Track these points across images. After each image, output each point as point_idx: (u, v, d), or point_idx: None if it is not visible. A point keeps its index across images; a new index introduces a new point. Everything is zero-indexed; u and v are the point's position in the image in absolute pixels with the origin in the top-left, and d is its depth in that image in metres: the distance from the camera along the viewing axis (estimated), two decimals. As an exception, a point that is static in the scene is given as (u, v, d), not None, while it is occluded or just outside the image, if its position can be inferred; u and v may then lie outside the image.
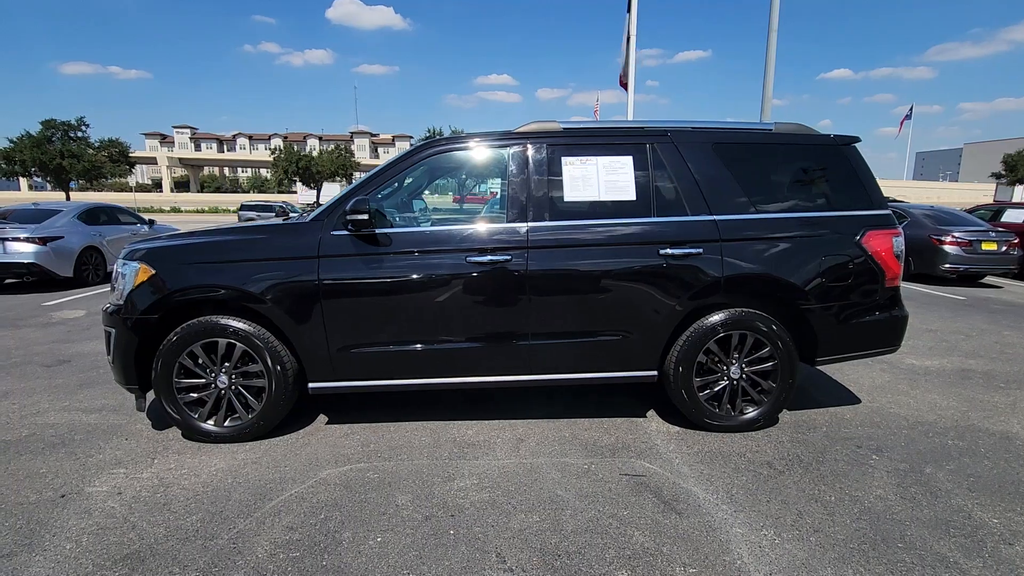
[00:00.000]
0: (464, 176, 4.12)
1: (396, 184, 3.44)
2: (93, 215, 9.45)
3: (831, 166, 3.44)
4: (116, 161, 38.54)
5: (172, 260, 3.17)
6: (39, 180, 45.57)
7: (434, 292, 3.19)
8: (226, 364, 3.21)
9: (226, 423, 3.26)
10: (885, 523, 2.46)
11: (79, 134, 37.27)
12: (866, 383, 4.34)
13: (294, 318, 3.15)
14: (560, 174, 3.28)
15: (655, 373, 3.37)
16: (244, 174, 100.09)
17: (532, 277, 3.18)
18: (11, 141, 35.78)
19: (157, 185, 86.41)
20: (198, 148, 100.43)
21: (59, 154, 35.32)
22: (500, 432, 3.41)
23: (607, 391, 4.01)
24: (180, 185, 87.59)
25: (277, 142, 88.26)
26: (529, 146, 3.30)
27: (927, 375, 4.57)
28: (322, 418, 3.62)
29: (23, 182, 65.30)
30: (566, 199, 3.26)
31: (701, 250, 3.22)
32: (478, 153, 3.41)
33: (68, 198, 36.85)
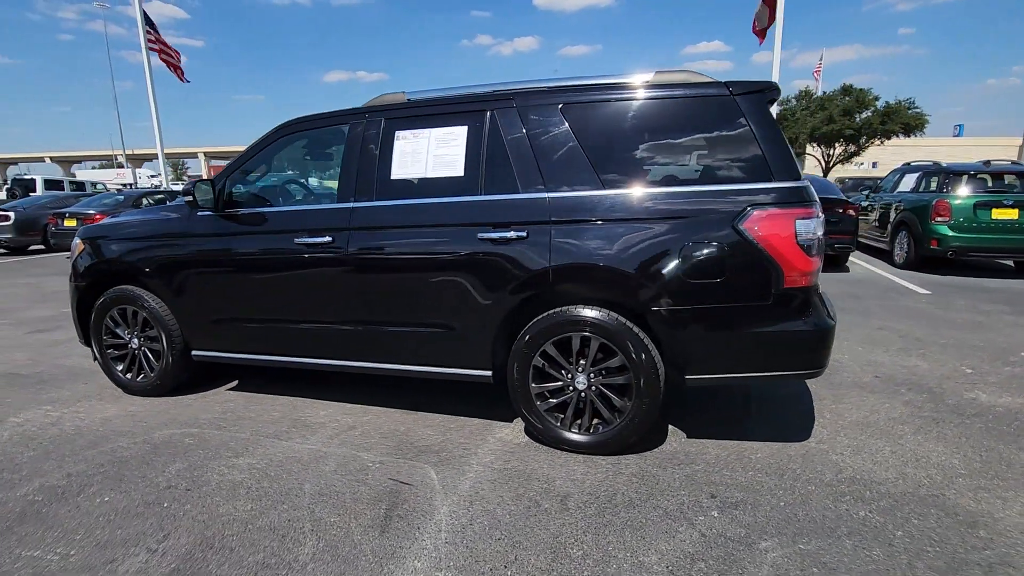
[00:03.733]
0: (320, 155, 4.04)
1: (262, 165, 3.52)
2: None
3: (720, 124, 2.59)
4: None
5: (94, 237, 3.74)
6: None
7: (273, 272, 3.24)
8: (136, 329, 3.70)
9: (138, 378, 3.77)
10: (598, 599, 1.86)
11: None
12: (856, 417, 3.21)
13: (170, 290, 3.48)
14: (392, 150, 3.04)
15: (489, 373, 2.96)
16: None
17: (353, 260, 3.03)
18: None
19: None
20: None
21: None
22: (346, 417, 3.34)
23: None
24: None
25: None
26: (365, 121, 3.11)
27: (972, 417, 3.20)
28: (233, 383, 3.96)
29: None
30: (393, 177, 3.02)
31: (526, 233, 2.71)
32: (323, 131, 3.33)
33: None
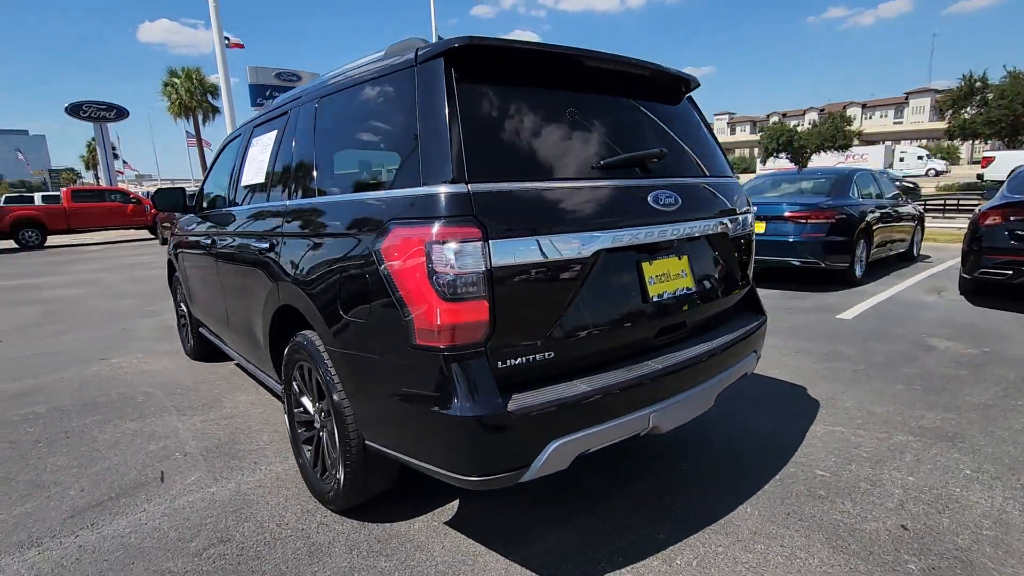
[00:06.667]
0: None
1: (226, 167, 3.95)
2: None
3: (401, 108, 1.85)
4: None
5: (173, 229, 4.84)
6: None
7: (200, 265, 3.69)
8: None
9: (187, 344, 4.76)
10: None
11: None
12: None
13: (180, 278, 4.30)
14: (247, 155, 3.12)
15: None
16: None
17: (216, 263, 3.24)
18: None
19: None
20: (733, 132, 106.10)
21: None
22: (250, 408, 3.53)
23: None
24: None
25: (812, 116, 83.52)
26: (249, 126, 3.25)
27: None
28: (245, 360, 4.64)
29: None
30: (242, 183, 3.09)
31: (267, 245, 2.48)
32: (243, 139, 3.55)
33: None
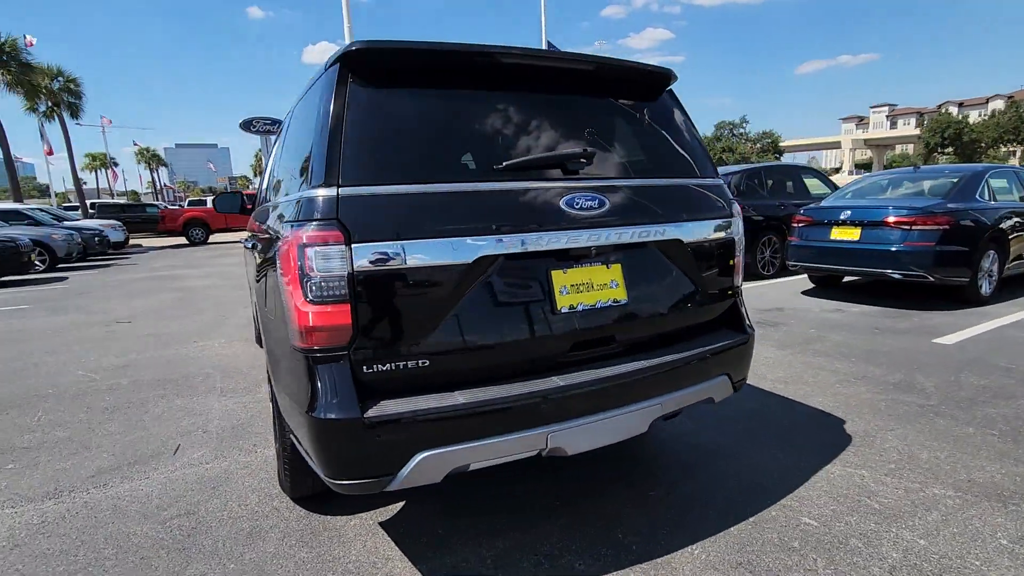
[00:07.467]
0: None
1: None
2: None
3: (315, 112, 1.89)
4: (765, 151, 42.74)
5: (247, 230, 5.39)
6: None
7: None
8: (256, 296, 5.22)
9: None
10: (-2, 593, 1.95)
11: (741, 131, 43.52)
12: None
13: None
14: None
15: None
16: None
17: (246, 258, 3.55)
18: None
19: (836, 170, 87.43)
20: (894, 126, 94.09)
21: (720, 149, 42.68)
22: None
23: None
24: (862, 167, 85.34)
25: (998, 104, 71.52)
26: (273, 135, 3.53)
27: None
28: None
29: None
30: (263, 187, 3.35)
31: (251, 245, 2.68)
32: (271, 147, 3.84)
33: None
